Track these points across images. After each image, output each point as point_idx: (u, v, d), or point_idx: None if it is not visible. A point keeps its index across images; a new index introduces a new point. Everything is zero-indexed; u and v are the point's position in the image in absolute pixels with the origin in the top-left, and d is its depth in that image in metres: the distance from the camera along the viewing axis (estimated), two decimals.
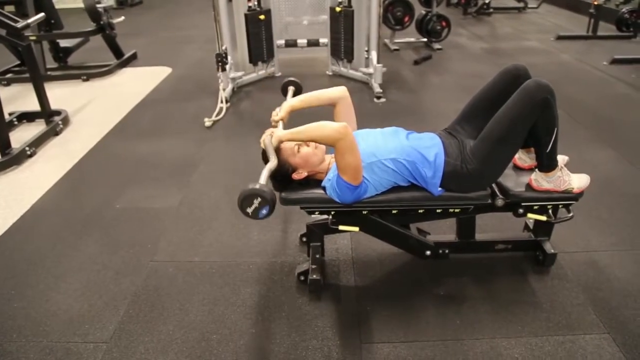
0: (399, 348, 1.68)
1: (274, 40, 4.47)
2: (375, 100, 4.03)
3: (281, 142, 1.70)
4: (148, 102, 4.15)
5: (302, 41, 4.61)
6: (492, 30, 6.60)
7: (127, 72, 5.03)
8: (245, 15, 4.07)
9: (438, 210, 1.86)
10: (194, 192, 2.72)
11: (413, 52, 5.50)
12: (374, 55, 4.19)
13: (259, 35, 4.27)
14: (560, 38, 5.78)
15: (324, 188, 1.79)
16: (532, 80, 1.64)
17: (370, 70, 4.25)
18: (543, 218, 1.90)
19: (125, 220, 2.46)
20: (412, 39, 5.82)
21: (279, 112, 1.85)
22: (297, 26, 4.86)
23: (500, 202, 1.83)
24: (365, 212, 1.83)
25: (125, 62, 5.17)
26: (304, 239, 2.21)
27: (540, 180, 1.79)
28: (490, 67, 4.89)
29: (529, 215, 1.90)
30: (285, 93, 2.21)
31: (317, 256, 1.97)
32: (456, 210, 1.86)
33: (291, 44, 4.60)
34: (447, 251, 2.01)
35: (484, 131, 1.71)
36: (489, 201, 1.83)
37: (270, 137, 1.70)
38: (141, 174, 2.94)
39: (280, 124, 1.85)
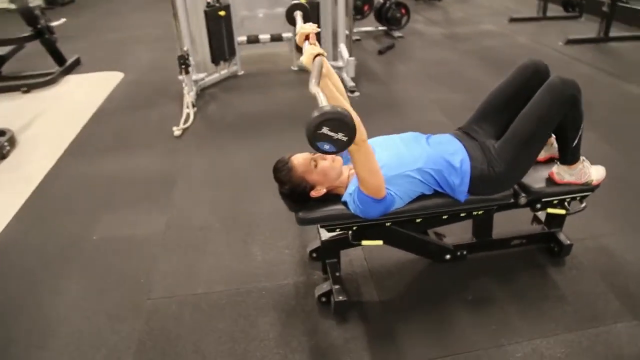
0: None
1: (234, 37, 4.23)
2: (349, 94, 3.91)
3: (319, 74, 1.37)
4: (104, 113, 3.80)
5: (264, 36, 4.39)
6: (445, 15, 6.65)
7: (73, 80, 4.59)
8: (205, 12, 3.80)
9: (462, 214, 1.78)
10: (178, 213, 2.49)
11: (374, 42, 5.42)
12: (343, 47, 4.07)
13: (220, 32, 4.01)
14: (513, 20, 5.90)
15: (344, 203, 1.65)
16: (557, 77, 1.58)
17: (340, 63, 4.13)
18: (562, 212, 1.87)
19: (106, 253, 2.21)
20: (372, 28, 5.73)
21: (316, 48, 1.50)
22: (255, 20, 4.64)
23: (523, 200, 1.78)
24: (388, 224, 1.72)
25: (69, 68, 4.72)
26: (314, 255, 2.07)
27: (563, 174, 1.76)
28: (453, 53, 4.91)
29: (548, 210, 1.87)
30: (292, 20, 1.87)
31: (337, 274, 1.84)
32: (479, 213, 1.79)
33: (253, 40, 4.37)
34: (465, 252, 1.95)
35: (510, 132, 1.64)
36: (512, 200, 1.78)
37: (321, 60, 1.42)
38: (113, 196, 2.66)
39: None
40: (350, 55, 3.99)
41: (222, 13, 3.89)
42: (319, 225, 1.76)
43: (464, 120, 1.88)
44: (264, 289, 1.94)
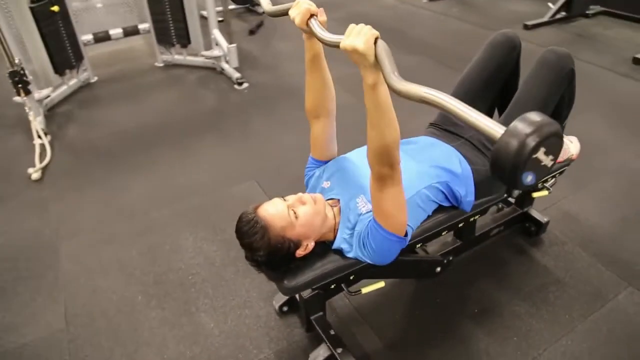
0: None
1: (77, 37, 3.35)
2: (236, 87, 3.40)
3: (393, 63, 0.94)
4: None
5: (116, 31, 3.57)
6: None
7: None
8: (32, 9, 2.85)
9: (460, 225, 1.52)
10: (78, 293, 1.82)
11: (239, 20, 4.87)
12: (217, 34, 3.50)
13: (58, 34, 3.11)
14: None
15: (338, 251, 1.26)
16: (550, 52, 1.37)
17: (216, 52, 3.55)
18: (545, 193, 1.73)
19: None
20: (231, 6, 5.13)
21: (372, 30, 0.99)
22: (93, 12, 3.72)
23: (516, 193, 1.59)
24: None
25: None
26: (285, 309, 1.66)
27: None
28: (329, 21, 4.62)
29: (534, 194, 1.72)
30: None
31: (332, 332, 1.46)
32: (476, 218, 1.56)
33: (103, 37, 3.52)
34: (451, 258, 1.73)
35: (507, 121, 1.39)
36: (505, 195, 1.57)
37: (384, 45, 0.96)
38: None
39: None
40: (231, 42, 3.44)
41: (55, 9, 3.00)
42: None
43: None
44: None
